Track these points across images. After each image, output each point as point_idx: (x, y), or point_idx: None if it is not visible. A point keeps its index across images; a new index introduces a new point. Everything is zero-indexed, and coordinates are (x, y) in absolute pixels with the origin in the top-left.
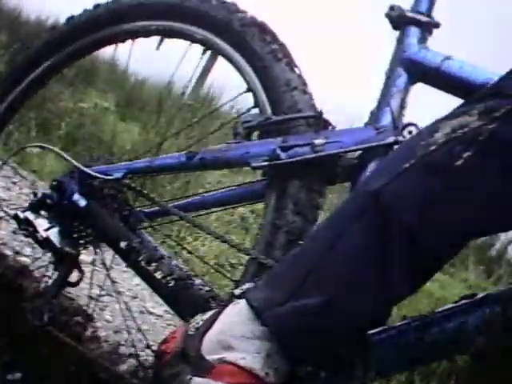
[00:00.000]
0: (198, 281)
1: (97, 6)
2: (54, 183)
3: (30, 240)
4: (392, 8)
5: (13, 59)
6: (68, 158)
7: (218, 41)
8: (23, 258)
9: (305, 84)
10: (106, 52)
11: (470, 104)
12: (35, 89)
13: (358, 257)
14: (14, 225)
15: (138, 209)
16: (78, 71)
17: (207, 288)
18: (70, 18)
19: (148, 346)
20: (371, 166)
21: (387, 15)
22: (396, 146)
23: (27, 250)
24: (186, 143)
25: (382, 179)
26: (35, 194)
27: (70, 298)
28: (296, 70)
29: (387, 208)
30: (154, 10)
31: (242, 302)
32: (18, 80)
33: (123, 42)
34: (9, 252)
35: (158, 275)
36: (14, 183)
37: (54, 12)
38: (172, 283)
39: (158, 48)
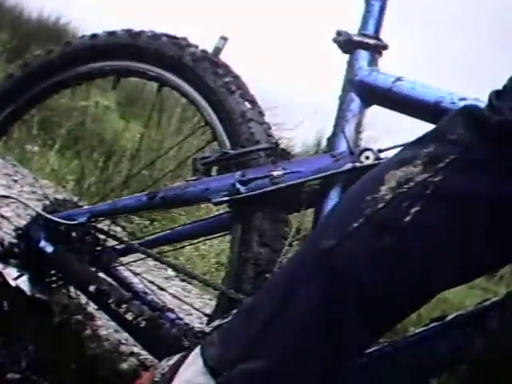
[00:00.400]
0: (171, 316)
1: (50, 51)
2: (19, 232)
3: None
4: (339, 33)
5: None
6: (31, 205)
7: (172, 77)
8: None
9: (261, 114)
10: None
11: (414, 148)
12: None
13: (308, 318)
14: (15, 223)
15: (112, 245)
16: None
17: (179, 325)
18: (24, 65)
19: None
20: (333, 193)
21: (335, 41)
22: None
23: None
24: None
25: (331, 239)
26: (2, 244)
27: (70, 297)
28: (251, 101)
29: (339, 269)
30: (106, 51)
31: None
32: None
33: (80, 84)
34: None
35: (129, 317)
36: (15, 181)
37: (55, 10)
38: (143, 324)
39: (113, 88)
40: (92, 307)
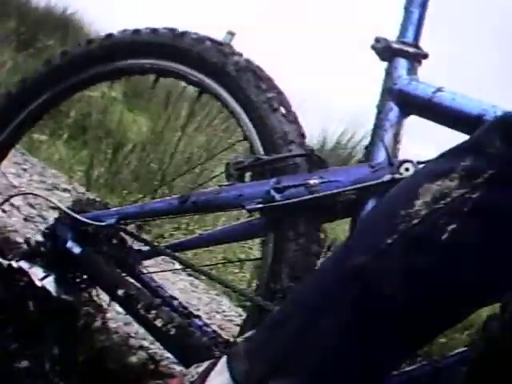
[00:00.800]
0: (199, 322)
1: (90, 42)
2: (46, 231)
3: (41, 227)
4: (377, 40)
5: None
6: (59, 204)
7: (214, 84)
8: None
9: (302, 136)
10: None
11: (449, 160)
12: (26, 127)
13: (339, 333)
14: (25, 212)
15: (137, 247)
16: None
17: (209, 333)
18: (63, 53)
19: None
20: (370, 204)
21: (373, 47)
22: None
23: (38, 238)
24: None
25: (363, 254)
26: (28, 243)
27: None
28: (293, 120)
29: (372, 285)
30: (146, 48)
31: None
32: (9, 117)
33: (119, 78)
34: (20, 239)
35: (159, 323)
36: (25, 170)
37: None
38: (173, 331)
39: (153, 87)
40: (102, 299)
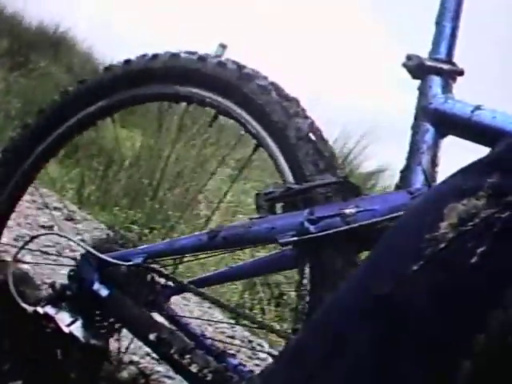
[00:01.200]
0: (234, 362)
1: (155, 56)
2: (71, 273)
3: (30, 247)
4: (409, 58)
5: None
6: (85, 245)
7: (271, 143)
8: (24, 266)
9: None
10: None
11: (474, 176)
12: (85, 126)
13: (364, 371)
14: (15, 232)
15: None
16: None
17: (246, 373)
18: (127, 61)
19: (148, 354)
20: None
21: (405, 65)
22: None
23: (28, 258)
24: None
25: (388, 282)
26: (53, 288)
27: None
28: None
29: (397, 315)
30: (210, 82)
31: None
32: (65, 117)
33: (177, 102)
34: (10, 259)
35: (194, 368)
36: None
37: (55, 19)
38: (209, 377)
39: (210, 125)
40: None
